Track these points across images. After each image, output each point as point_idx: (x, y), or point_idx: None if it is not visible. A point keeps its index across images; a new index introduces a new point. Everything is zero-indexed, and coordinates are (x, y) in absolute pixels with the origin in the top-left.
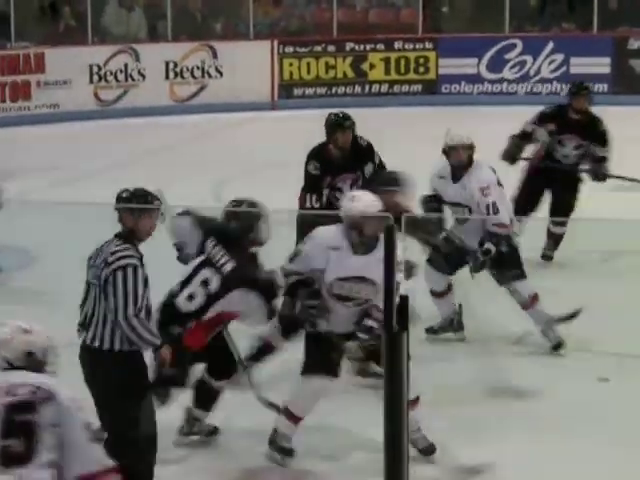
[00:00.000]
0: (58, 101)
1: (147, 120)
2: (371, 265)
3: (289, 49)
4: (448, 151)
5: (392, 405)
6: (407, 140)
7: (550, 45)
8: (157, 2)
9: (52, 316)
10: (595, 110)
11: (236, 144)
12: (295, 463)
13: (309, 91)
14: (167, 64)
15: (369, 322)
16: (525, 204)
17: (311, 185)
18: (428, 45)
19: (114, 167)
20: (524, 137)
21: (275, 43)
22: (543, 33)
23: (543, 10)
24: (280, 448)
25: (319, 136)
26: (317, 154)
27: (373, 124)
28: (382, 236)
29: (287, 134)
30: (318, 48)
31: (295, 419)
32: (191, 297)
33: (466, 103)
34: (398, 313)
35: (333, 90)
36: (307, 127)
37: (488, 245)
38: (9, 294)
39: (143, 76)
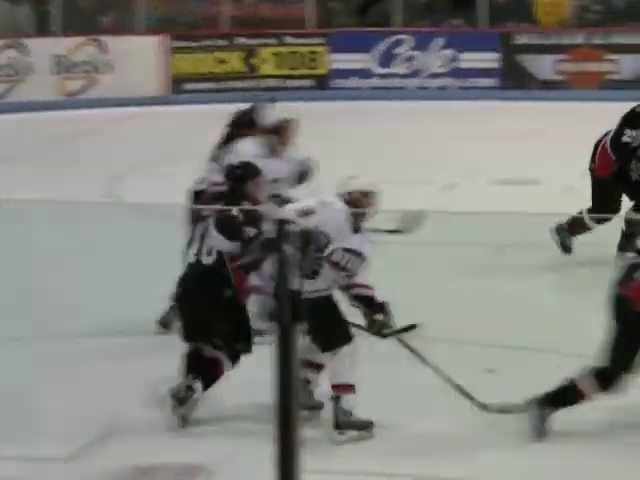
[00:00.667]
0: None
1: (35, 115)
2: (365, 242)
3: (180, 44)
4: (281, 128)
5: (282, 398)
6: (298, 135)
7: (440, 40)
8: None
9: None
10: (484, 105)
11: (126, 139)
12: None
13: (200, 86)
14: (56, 58)
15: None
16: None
17: None
18: (319, 40)
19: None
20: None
21: (166, 38)
22: (433, 29)
23: (432, 6)
24: (351, 425)
25: (210, 131)
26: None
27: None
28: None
29: (178, 129)
30: (209, 43)
31: (350, 388)
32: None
33: (357, 98)
34: (291, 306)
35: (224, 85)
36: (198, 122)
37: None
38: None
39: (31, 70)
